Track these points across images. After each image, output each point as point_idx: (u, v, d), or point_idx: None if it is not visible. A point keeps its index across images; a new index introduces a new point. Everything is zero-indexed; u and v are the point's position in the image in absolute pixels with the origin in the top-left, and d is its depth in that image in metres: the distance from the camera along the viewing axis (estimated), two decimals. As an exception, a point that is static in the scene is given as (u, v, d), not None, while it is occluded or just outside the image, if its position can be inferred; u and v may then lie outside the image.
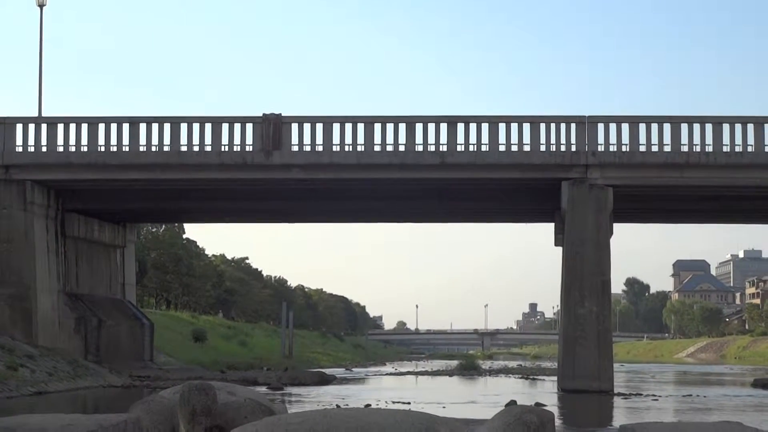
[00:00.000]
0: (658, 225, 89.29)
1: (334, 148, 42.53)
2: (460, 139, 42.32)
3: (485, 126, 42.47)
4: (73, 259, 48.22)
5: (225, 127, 43.10)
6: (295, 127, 42.93)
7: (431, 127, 42.53)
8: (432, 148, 42.28)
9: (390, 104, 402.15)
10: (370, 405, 26.91)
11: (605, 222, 41.25)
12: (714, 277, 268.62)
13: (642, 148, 41.70)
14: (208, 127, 43.16)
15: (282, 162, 42.65)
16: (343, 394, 36.04)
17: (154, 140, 43.18)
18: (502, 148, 42.09)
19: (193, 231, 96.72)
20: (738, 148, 41.53)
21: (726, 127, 41.82)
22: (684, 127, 41.97)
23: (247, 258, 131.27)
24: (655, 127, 42.06)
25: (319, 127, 42.88)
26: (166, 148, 43.07)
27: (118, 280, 53.71)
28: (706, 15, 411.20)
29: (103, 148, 43.23)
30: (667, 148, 41.66)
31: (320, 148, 42.59)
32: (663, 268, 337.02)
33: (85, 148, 43.21)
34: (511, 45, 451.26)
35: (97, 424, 12.38)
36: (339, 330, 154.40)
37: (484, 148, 42.20)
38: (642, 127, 42.05)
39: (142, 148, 43.13)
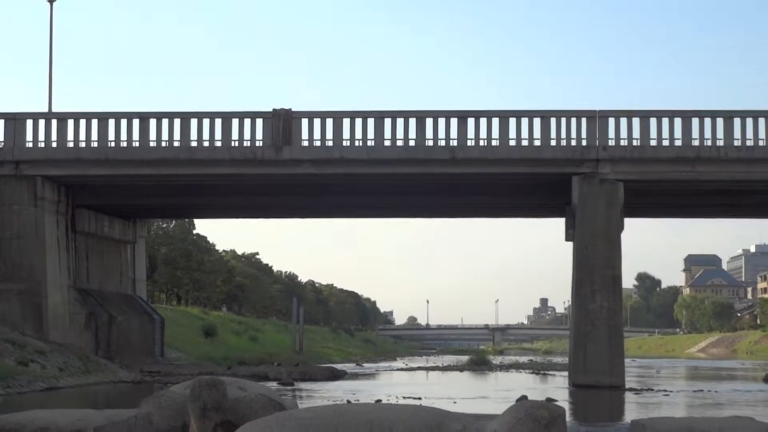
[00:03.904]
0: (669, 220, 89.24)
1: (344, 143, 42.52)
2: (471, 133, 42.27)
3: (495, 121, 42.42)
4: (84, 254, 48.30)
5: (235, 122, 43.13)
6: (305, 122, 42.94)
7: (441, 121, 42.50)
8: (442, 143, 42.24)
9: (400, 99, 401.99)
10: (380, 400, 26.92)
11: (616, 217, 41.15)
12: (725, 271, 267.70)
13: (653, 143, 41.62)
14: (218, 122, 43.20)
15: (292, 157, 42.65)
16: (353, 390, 36.05)
17: (164, 135, 43.23)
18: (512, 142, 42.05)
19: (203, 226, 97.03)
20: (749, 142, 41.42)
21: (737, 121, 41.69)
22: (695, 121, 41.87)
23: (257, 253, 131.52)
24: (665, 121, 41.98)
25: (329, 122, 42.88)
26: (176, 144, 43.11)
27: (129, 276, 53.79)
28: (716, 8, 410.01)
29: (113, 144, 43.30)
30: (678, 143, 41.57)
31: (330, 143, 42.60)
32: (674, 263, 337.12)
33: (95, 144, 43.29)
34: (520, 39, 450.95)
35: (108, 420, 12.38)
36: (349, 325, 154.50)
37: (494, 142, 42.16)
38: (653, 121, 41.96)
39: (152, 144, 43.20)
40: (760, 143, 41.43)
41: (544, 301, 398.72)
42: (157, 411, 13.20)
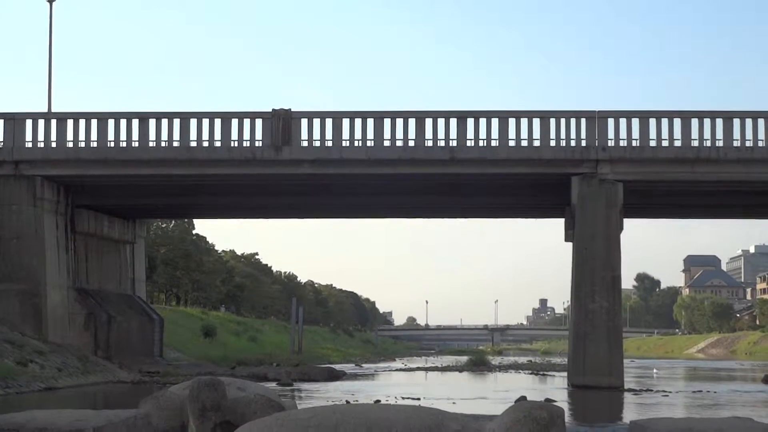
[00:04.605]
0: (668, 220, 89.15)
1: (344, 144, 42.49)
2: (470, 134, 42.26)
3: (495, 121, 42.41)
4: (83, 254, 48.28)
5: (234, 122, 43.10)
6: (304, 122, 42.92)
7: (441, 122, 42.48)
8: (442, 144, 42.22)
9: (399, 99, 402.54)
10: (379, 401, 26.91)
11: (615, 217, 41.13)
12: (725, 272, 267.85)
13: (652, 143, 41.61)
14: (217, 122, 43.17)
15: (291, 157, 42.63)
16: (352, 390, 36.02)
17: (164, 136, 43.21)
18: (512, 143, 42.02)
19: (202, 226, 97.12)
20: (749, 143, 41.41)
21: (737, 122, 41.69)
22: (694, 122, 41.86)
23: (257, 253, 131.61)
24: (665, 122, 41.97)
25: (329, 122, 42.86)
26: (175, 144, 43.08)
27: (128, 276, 53.76)
28: (717, 9, 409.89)
29: (112, 144, 43.28)
30: (678, 143, 41.57)
31: (329, 144, 42.58)
32: (674, 264, 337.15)
33: (95, 144, 43.27)
34: (520, 39, 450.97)
35: (107, 420, 12.37)
36: (349, 326, 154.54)
37: (494, 143, 42.14)
38: (652, 122, 41.94)
39: (151, 144, 43.17)
40: (760, 144, 41.42)
41: (543, 301, 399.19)
42: (156, 411, 13.20)
